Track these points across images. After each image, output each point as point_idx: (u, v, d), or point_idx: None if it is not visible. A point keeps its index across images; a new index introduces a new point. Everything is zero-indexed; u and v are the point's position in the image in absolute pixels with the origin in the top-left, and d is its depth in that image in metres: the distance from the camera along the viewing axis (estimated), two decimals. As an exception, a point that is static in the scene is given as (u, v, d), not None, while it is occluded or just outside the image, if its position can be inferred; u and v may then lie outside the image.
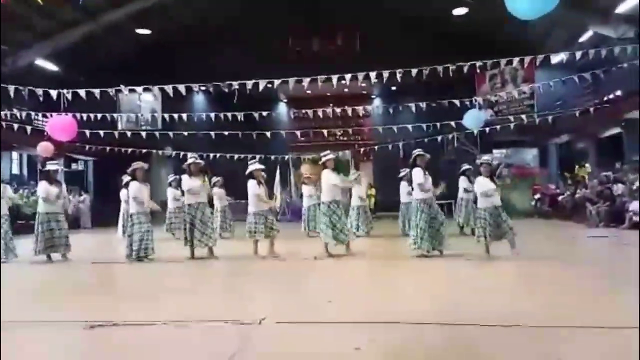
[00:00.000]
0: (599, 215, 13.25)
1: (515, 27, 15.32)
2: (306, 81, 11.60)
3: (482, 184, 7.53)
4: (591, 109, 14.94)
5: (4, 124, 13.79)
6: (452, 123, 14.82)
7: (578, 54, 10.43)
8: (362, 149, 20.13)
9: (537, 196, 18.95)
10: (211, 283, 6.46)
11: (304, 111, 17.02)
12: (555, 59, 13.96)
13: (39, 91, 11.21)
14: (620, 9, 15.11)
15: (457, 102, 13.41)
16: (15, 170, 19.37)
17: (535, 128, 17.19)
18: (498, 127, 16.63)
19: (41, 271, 7.58)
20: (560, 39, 17.71)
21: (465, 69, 11.01)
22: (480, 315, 3.84)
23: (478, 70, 12.48)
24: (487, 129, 15.89)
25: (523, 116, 16.31)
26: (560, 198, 17.41)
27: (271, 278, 6.44)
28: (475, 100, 14.37)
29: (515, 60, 11.07)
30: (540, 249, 8.50)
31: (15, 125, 14.37)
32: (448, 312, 4.10)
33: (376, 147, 18.49)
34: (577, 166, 16.67)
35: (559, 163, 21.75)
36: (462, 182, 10.75)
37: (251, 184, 8.22)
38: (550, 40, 17.87)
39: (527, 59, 10.88)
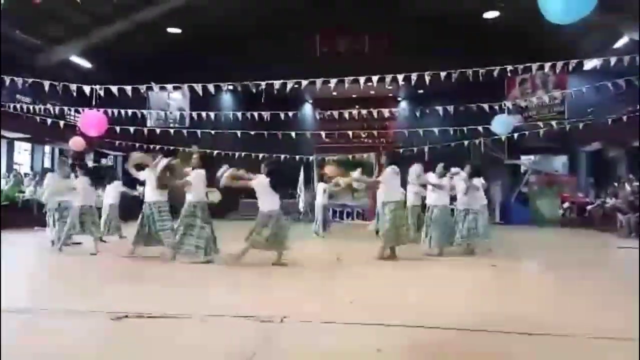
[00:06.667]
0: (630, 226, 12.92)
1: (548, 32, 15.03)
2: (333, 82, 11.60)
3: None
4: (624, 117, 14.55)
5: (25, 116, 14.25)
6: (480, 128, 14.62)
7: (612, 60, 10.19)
8: (386, 152, 19.98)
9: (565, 205, 18.56)
10: (235, 280, 6.51)
11: (329, 112, 17.00)
12: (589, 64, 13.63)
13: (73, 87, 11.48)
14: (658, 14, 14.68)
15: (485, 106, 13.19)
16: (47, 164, 19.83)
17: (565, 135, 16.82)
18: (527, 133, 16.33)
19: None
20: (594, 44, 17.30)
21: (495, 73, 10.84)
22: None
23: (509, 75, 12.25)
24: (516, 135, 15.62)
25: (553, 122, 15.99)
26: (589, 207, 17.02)
27: (293, 278, 6.48)
28: (505, 105, 14.12)
29: (547, 65, 10.86)
30: (564, 257, 8.32)
31: (49, 120, 14.77)
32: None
33: (401, 150, 18.36)
34: (624, 182, 15.77)
35: (590, 171, 21.22)
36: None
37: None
38: (583, 45, 17.47)
39: (559, 64, 10.66)
